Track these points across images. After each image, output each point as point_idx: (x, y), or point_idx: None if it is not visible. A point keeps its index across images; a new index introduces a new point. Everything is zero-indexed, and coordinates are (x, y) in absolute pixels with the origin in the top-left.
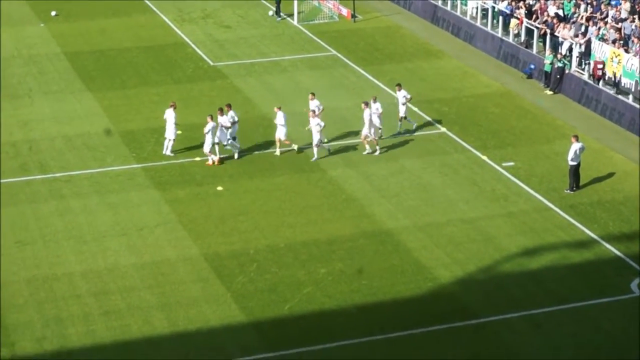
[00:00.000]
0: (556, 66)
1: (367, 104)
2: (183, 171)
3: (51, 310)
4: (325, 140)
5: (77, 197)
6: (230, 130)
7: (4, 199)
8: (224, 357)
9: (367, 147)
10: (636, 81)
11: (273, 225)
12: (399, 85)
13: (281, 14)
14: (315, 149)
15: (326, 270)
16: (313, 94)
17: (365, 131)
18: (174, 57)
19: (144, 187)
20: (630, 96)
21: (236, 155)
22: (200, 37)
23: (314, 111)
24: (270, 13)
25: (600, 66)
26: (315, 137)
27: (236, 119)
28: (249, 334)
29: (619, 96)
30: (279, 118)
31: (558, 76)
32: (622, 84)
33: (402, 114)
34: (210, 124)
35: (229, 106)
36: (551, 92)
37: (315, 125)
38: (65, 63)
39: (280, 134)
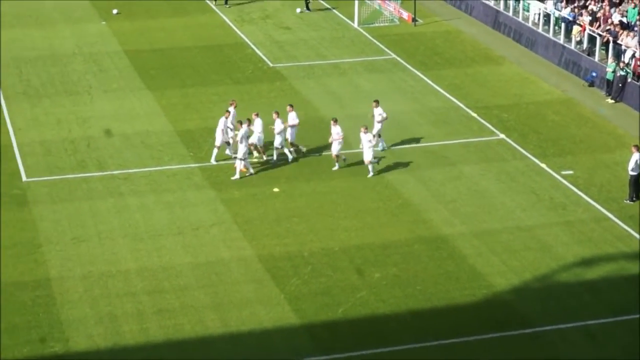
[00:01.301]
0: (618, 74)
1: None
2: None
3: (105, 307)
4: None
5: (134, 195)
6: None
7: (62, 194)
8: (276, 359)
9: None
10: None
11: (328, 228)
12: (376, 101)
13: (309, 7)
14: (370, 166)
15: (380, 274)
16: (377, 102)
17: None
18: (233, 58)
19: (201, 186)
20: None
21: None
22: (259, 37)
23: (366, 127)
24: (298, 10)
25: None
26: (368, 154)
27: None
28: (302, 336)
29: None
30: (277, 125)
31: (620, 85)
32: None
33: (375, 131)
34: (243, 128)
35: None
36: (612, 101)
37: (366, 141)
38: (126, 61)
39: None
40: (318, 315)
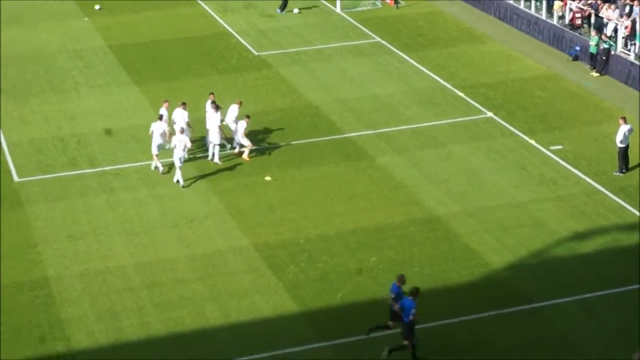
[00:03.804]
0: (602, 47)
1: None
2: (230, 162)
3: (105, 303)
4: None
5: (127, 190)
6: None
7: (55, 193)
8: (277, 347)
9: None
10: None
11: (322, 214)
12: (214, 102)
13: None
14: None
15: (377, 258)
16: (212, 94)
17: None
18: (217, 48)
19: (193, 178)
20: None
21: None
22: (243, 26)
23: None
24: (296, 10)
25: None
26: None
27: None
28: (302, 323)
29: None
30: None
31: (604, 57)
32: None
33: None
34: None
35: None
36: (597, 74)
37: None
38: (111, 56)
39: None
40: (317, 302)
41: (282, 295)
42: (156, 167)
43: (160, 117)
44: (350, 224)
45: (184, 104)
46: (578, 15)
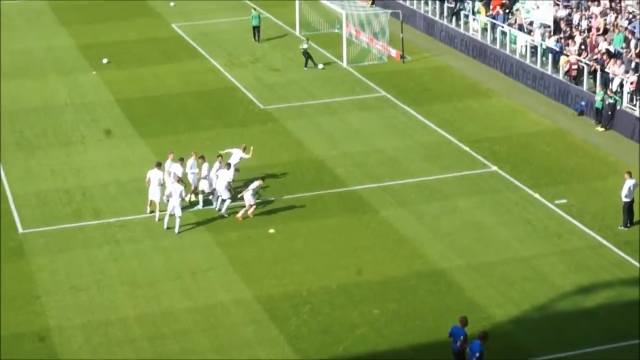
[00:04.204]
0: (607, 102)
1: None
2: (234, 214)
3: (106, 355)
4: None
5: (131, 242)
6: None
7: (59, 244)
8: None
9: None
10: None
11: (326, 266)
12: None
13: (313, 63)
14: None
15: (380, 311)
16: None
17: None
18: (224, 101)
19: (196, 230)
20: None
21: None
22: (250, 80)
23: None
24: (321, 66)
25: None
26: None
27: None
28: None
29: None
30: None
31: (609, 112)
32: None
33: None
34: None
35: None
36: (603, 129)
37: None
38: (117, 110)
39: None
40: (319, 354)
41: (284, 348)
42: (159, 219)
43: (158, 165)
44: (353, 276)
45: (181, 159)
46: (575, 67)
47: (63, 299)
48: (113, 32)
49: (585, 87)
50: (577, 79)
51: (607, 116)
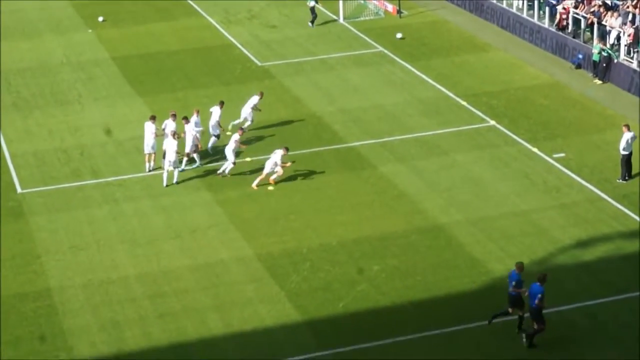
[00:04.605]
0: (604, 55)
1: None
2: (234, 172)
3: (107, 314)
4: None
5: (130, 201)
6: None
7: (58, 204)
8: (280, 356)
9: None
10: None
11: (325, 223)
12: (185, 118)
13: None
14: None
15: (379, 267)
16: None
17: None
18: (221, 59)
19: (195, 189)
20: None
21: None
22: (247, 38)
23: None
24: (310, 24)
25: None
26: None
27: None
28: (304, 332)
29: None
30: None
31: (606, 65)
32: None
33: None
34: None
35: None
36: (600, 82)
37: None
38: (114, 68)
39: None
40: (319, 311)
41: (285, 305)
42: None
43: (152, 118)
44: (353, 233)
45: (173, 115)
46: (564, 17)
47: (63, 259)
48: None
49: (582, 40)
50: (575, 32)
51: (604, 69)
